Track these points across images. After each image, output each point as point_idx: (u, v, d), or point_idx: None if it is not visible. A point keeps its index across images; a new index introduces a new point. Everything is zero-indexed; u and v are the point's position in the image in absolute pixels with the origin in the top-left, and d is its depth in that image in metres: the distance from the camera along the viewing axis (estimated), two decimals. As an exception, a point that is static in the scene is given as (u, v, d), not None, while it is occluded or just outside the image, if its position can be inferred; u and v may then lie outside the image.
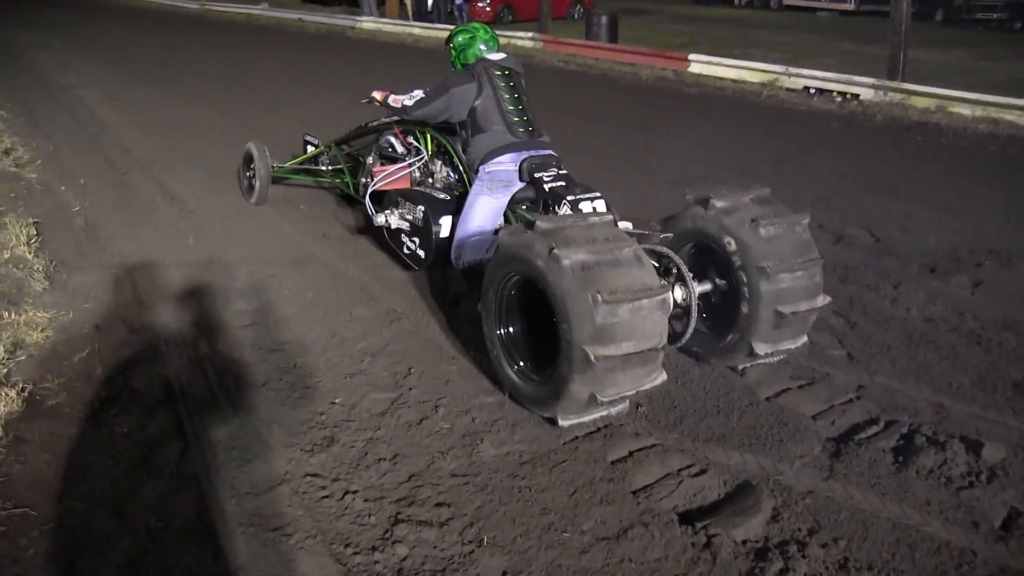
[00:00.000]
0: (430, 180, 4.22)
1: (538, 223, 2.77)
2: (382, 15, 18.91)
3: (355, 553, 2.31)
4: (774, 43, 15.41)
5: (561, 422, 2.84)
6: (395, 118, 4.40)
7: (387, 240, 4.24)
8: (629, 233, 2.92)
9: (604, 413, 2.89)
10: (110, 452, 2.75)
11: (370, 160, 4.66)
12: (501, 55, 3.92)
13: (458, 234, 3.71)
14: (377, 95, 4.41)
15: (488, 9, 19.29)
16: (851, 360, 3.46)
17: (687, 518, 2.47)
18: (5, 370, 3.20)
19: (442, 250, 3.83)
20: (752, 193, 3.21)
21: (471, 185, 3.76)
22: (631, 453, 2.80)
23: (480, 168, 3.70)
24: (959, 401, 3.12)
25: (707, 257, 3.31)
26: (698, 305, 3.16)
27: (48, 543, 2.33)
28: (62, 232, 4.96)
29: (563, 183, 3.62)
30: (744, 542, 2.37)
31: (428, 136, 4.22)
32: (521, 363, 3.07)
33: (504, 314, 3.11)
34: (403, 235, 4.06)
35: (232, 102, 9.63)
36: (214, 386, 3.19)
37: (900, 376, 3.32)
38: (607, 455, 2.79)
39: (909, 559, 2.29)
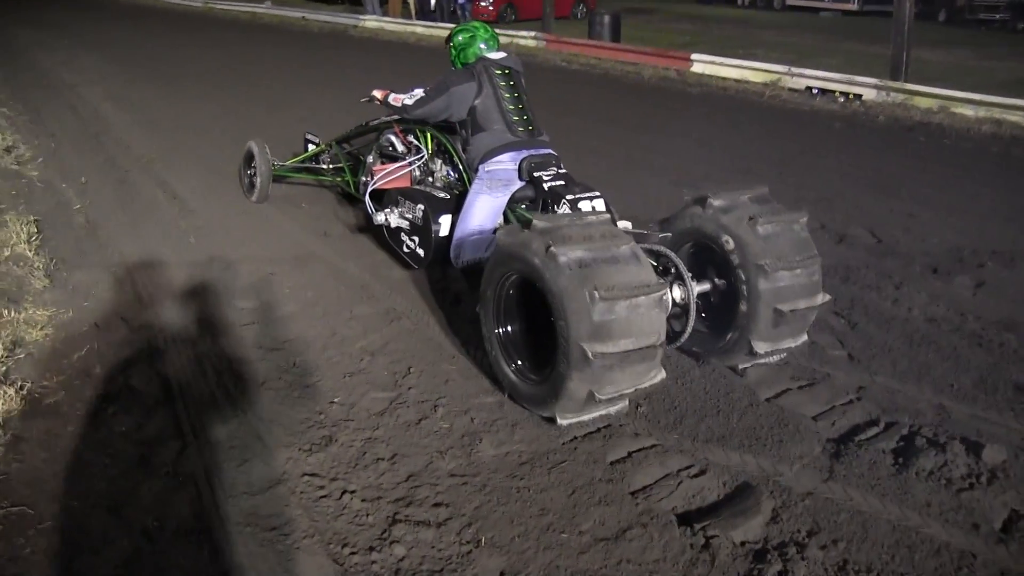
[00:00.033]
0: (430, 179, 4.22)
1: (535, 222, 2.76)
2: (385, 14, 18.91)
3: (352, 553, 2.31)
4: (777, 43, 15.38)
5: (560, 421, 2.83)
6: (395, 117, 4.40)
7: (387, 239, 4.24)
8: (627, 232, 2.91)
9: (603, 412, 2.88)
10: (108, 451, 2.75)
11: (370, 159, 4.65)
12: (501, 54, 3.92)
13: (457, 233, 3.71)
14: (377, 94, 4.41)
15: (491, 8, 19.26)
16: (852, 361, 3.45)
17: (686, 519, 2.46)
18: (4, 368, 3.20)
19: (441, 249, 3.82)
20: (750, 192, 3.21)
21: (471, 184, 3.76)
22: (630, 453, 2.79)
23: (480, 167, 3.70)
24: (960, 402, 3.11)
25: (706, 256, 3.30)
26: (697, 304, 3.15)
27: (45, 542, 2.33)
28: (62, 230, 4.96)
29: (562, 182, 3.62)
30: (743, 543, 2.36)
31: (428, 135, 4.22)
32: (519, 362, 3.06)
33: (502, 314, 3.10)
34: (403, 234, 4.05)
35: (234, 100, 9.64)
36: (213, 385, 3.18)
37: (901, 377, 3.30)
38: (606, 455, 2.78)
39: (909, 561, 2.28)
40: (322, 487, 2.59)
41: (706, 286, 3.28)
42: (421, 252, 3.93)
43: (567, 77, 12.03)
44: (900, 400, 3.14)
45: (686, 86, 11.17)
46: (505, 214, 3.71)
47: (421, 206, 3.88)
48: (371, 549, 2.32)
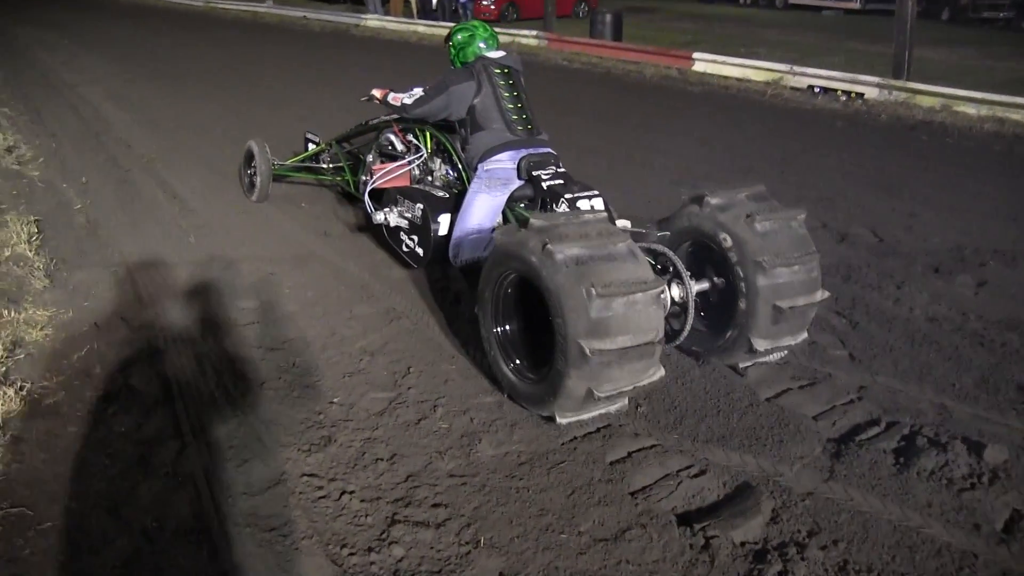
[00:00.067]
0: (429, 178, 4.21)
1: (532, 221, 2.77)
2: (387, 13, 18.91)
3: (351, 554, 2.30)
4: (779, 42, 15.35)
5: (559, 420, 2.82)
6: (394, 116, 4.39)
7: (386, 238, 4.23)
8: (625, 231, 2.91)
9: (603, 411, 2.88)
10: (107, 451, 2.75)
11: (370, 158, 4.65)
12: (500, 53, 3.91)
13: (456, 232, 3.70)
14: (377, 93, 4.41)
15: (492, 7, 19.26)
16: (853, 360, 3.44)
17: (686, 519, 2.45)
18: (4, 368, 3.20)
19: (440, 248, 3.82)
20: (747, 190, 3.21)
21: (470, 183, 3.75)
22: (630, 454, 2.78)
23: (479, 166, 3.69)
24: (962, 402, 3.10)
25: (704, 255, 3.30)
26: (696, 303, 3.15)
27: (44, 543, 2.33)
28: (63, 230, 4.96)
29: (561, 181, 3.61)
30: (743, 544, 2.35)
31: (427, 134, 4.21)
32: (518, 361, 3.05)
33: (501, 314, 3.10)
34: (402, 233, 4.05)
35: (235, 100, 9.64)
36: (213, 385, 3.18)
37: (902, 377, 3.29)
38: (606, 456, 2.77)
39: (909, 561, 2.27)
40: (321, 487, 2.58)
41: (705, 285, 3.28)
42: (420, 251, 3.92)
43: (569, 76, 12.01)
44: (901, 400, 3.13)
45: (688, 85, 11.15)
46: (504, 213, 3.71)
47: (420, 205, 3.88)
48: (370, 550, 2.32)
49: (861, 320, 3.79)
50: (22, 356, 3.32)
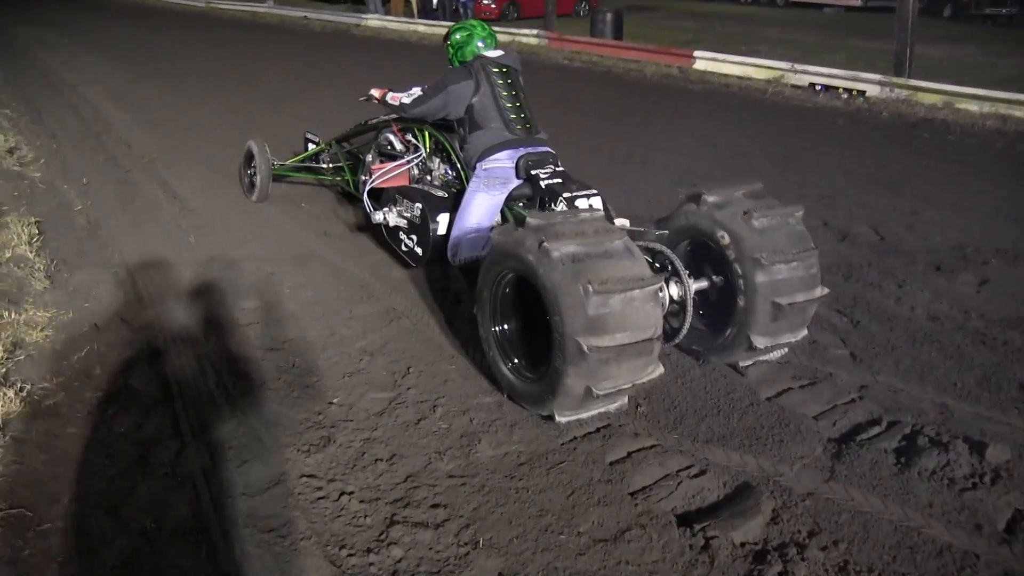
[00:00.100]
0: (428, 177, 4.21)
1: (529, 219, 2.76)
2: (387, 12, 18.90)
3: (350, 555, 2.30)
4: (780, 40, 15.33)
5: (559, 419, 2.82)
6: (393, 116, 4.38)
7: (385, 237, 4.23)
8: (623, 230, 2.90)
9: (602, 409, 2.87)
10: (107, 452, 2.75)
11: (369, 158, 4.65)
12: (499, 52, 3.91)
13: (455, 231, 3.70)
14: (375, 92, 4.40)
15: (493, 6, 19.25)
16: (854, 359, 3.43)
17: (685, 520, 2.45)
18: (4, 370, 3.20)
19: (439, 247, 3.81)
20: (744, 187, 3.20)
21: (468, 182, 3.74)
22: (630, 454, 2.78)
23: (477, 165, 3.68)
24: (963, 401, 3.09)
25: (703, 253, 3.29)
26: (694, 301, 3.14)
27: (44, 544, 2.33)
28: (63, 231, 4.96)
29: (559, 180, 3.60)
30: (743, 544, 2.34)
31: (426, 133, 4.21)
32: (517, 360, 3.05)
33: (499, 313, 3.09)
34: (401, 232, 4.05)
35: (235, 100, 9.64)
36: (212, 385, 3.18)
37: (904, 376, 3.28)
38: (605, 456, 2.77)
39: (911, 562, 2.26)
40: (320, 488, 2.58)
41: (704, 283, 3.27)
42: (419, 250, 3.92)
43: (569, 75, 12.00)
44: (903, 399, 3.12)
45: (689, 83, 11.13)
46: (502, 212, 3.70)
47: (419, 205, 3.87)
48: (369, 551, 2.31)
49: (862, 319, 3.78)
50: (22, 357, 3.32)
